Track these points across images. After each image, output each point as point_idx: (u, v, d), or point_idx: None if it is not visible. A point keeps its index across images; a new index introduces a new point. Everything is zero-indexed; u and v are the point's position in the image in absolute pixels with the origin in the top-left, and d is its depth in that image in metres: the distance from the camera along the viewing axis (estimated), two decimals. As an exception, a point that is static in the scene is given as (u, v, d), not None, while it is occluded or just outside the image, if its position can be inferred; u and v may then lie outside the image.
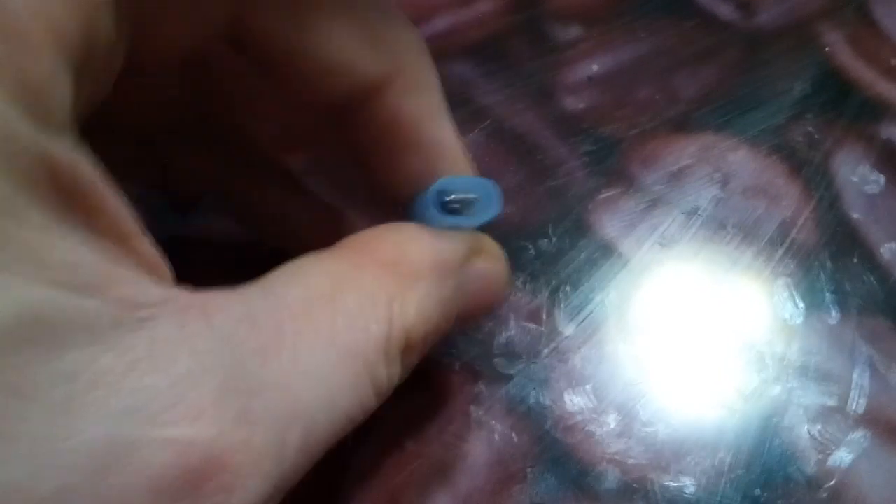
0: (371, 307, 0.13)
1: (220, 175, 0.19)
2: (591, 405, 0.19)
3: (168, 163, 0.18)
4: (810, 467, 0.19)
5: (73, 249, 0.10)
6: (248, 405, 0.11)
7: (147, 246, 0.11)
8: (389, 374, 0.14)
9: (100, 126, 0.12)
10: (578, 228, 0.22)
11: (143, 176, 0.18)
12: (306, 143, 0.19)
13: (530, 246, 0.21)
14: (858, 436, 0.19)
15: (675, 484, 0.18)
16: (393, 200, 0.17)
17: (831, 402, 0.19)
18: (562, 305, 0.21)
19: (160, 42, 0.13)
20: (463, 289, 0.15)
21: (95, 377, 0.10)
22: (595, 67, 0.25)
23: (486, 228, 0.16)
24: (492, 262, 0.16)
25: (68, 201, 0.10)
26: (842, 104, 0.24)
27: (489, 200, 0.15)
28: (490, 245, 0.16)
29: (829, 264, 0.21)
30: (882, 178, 0.23)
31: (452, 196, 0.15)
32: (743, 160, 0.23)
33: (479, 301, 0.16)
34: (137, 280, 0.11)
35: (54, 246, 0.09)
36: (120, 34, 0.11)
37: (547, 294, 0.21)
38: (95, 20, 0.10)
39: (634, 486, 0.18)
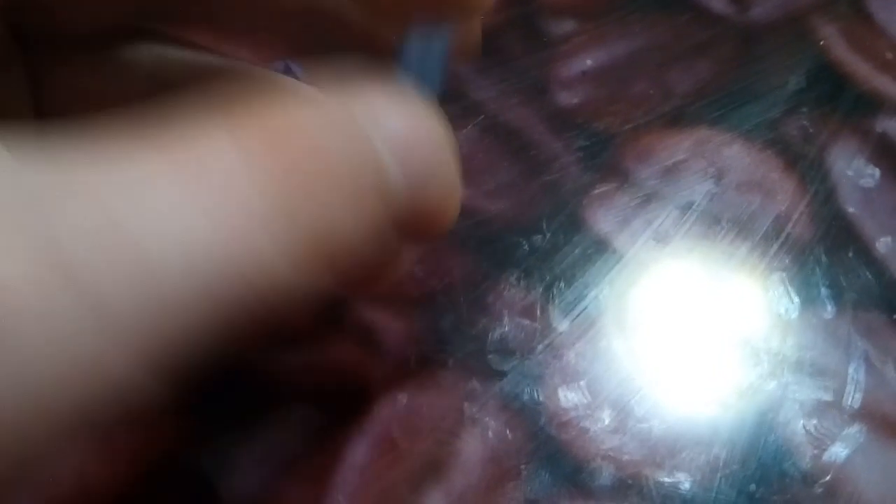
0: (230, 143, 0.11)
1: None
2: (586, 401, 0.19)
3: None
4: (806, 462, 0.18)
5: None
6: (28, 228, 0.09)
7: None
8: (280, 209, 0.10)
9: None
10: (572, 224, 0.22)
11: None
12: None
13: (524, 242, 0.21)
14: (854, 431, 0.19)
15: (670, 480, 0.18)
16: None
17: (827, 397, 0.19)
18: (556, 301, 0.21)
19: None
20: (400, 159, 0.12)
21: None
22: (589, 62, 0.25)
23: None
24: (434, 123, 0.13)
25: None
26: (837, 98, 0.24)
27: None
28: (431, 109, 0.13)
29: (824, 259, 0.21)
30: (877, 172, 0.23)
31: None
32: (737, 155, 0.23)
33: (427, 175, 0.12)
34: None
35: None
36: None
37: (541, 290, 0.21)
38: None
39: (629, 482, 0.18)
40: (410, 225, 0.12)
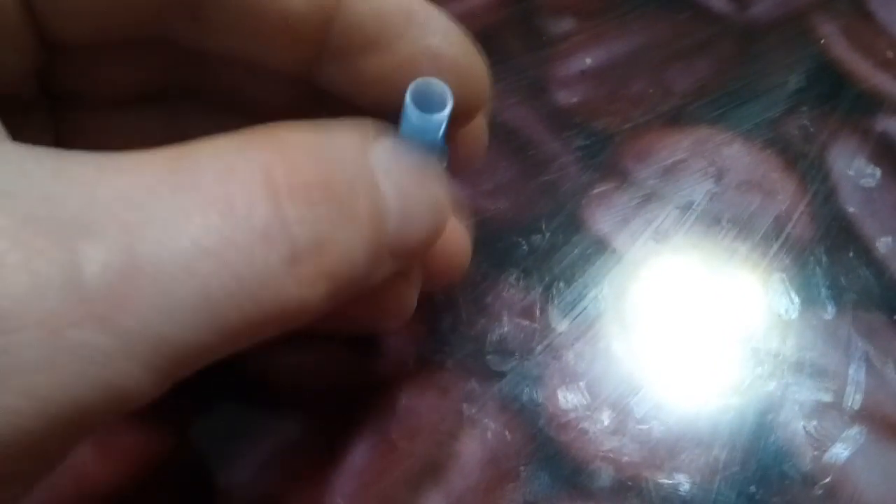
0: (239, 152, 0.11)
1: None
2: (585, 402, 0.19)
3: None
4: (806, 464, 0.18)
5: None
6: (24, 204, 0.09)
7: None
8: (284, 219, 0.11)
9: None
10: (572, 224, 0.22)
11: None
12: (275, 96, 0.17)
13: (523, 241, 0.21)
14: (854, 432, 0.19)
15: (670, 481, 0.18)
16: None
17: (827, 398, 0.19)
18: (555, 301, 0.20)
19: (82, 24, 0.12)
20: (395, 176, 0.13)
21: None
22: (588, 61, 0.24)
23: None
24: (433, 178, 0.14)
25: None
26: (837, 97, 0.24)
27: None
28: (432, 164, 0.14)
29: (824, 259, 0.21)
30: (878, 172, 0.23)
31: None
32: (737, 154, 0.23)
33: (417, 214, 0.14)
34: None
35: None
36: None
37: (540, 290, 0.21)
38: None
39: (629, 483, 0.18)
40: (402, 255, 0.13)
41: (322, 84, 0.15)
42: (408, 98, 0.13)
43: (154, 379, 0.10)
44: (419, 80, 0.13)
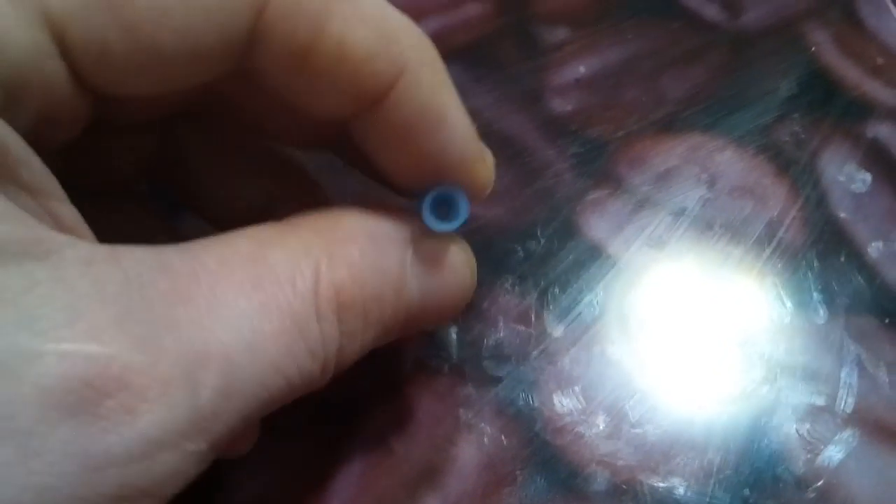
0: (297, 263, 0.13)
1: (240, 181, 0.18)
2: (581, 407, 0.19)
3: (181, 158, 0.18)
4: (799, 467, 0.19)
5: None
6: (152, 333, 0.11)
7: (67, 209, 0.12)
8: (324, 334, 0.13)
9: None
10: (567, 230, 0.22)
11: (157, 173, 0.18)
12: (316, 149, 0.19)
13: (519, 248, 0.22)
14: (847, 435, 0.19)
15: (665, 485, 0.18)
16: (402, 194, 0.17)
17: (820, 402, 0.19)
18: (550, 307, 0.21)
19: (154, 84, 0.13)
20: (422, 276, 0.15)
21: None
22: (582, 69, 0.25)
23: (473, 229, 0.16)
24: (456, 251, 0.16)
25: None
26: (828, 104, 0.24)
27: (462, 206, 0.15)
28: (454, 237, 0.16)
29: (816, 263, 0.21)
30: (868, 177, 0.23)
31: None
32: (730, 160, 0.23)
33: (440, 290, 0.16)
34: (50, 230, 0.11)
35: None
36: (70, 86, 0.12)
37: (536, 296, 0.21)
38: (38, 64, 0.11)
39: (624, 487, 0.18)
40: (417, 321, 0.16)
41: (349, 131, 0.15)
42: (426, 211, 0.15)
43: (203, 449, 0.12)
44: (436, 192, 0.15)
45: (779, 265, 0.21)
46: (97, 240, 0.12)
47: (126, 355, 0.10)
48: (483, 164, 0.15)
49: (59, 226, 0.11)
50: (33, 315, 0.10)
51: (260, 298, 0.12)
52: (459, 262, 0.16)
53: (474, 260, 0.16)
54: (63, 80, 0.12)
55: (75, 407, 0.10)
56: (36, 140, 0.11)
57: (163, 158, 0.17)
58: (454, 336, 0.20)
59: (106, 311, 0.10)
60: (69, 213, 0.12)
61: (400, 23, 0.14)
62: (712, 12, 0.26)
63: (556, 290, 0.21)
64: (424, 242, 0.15)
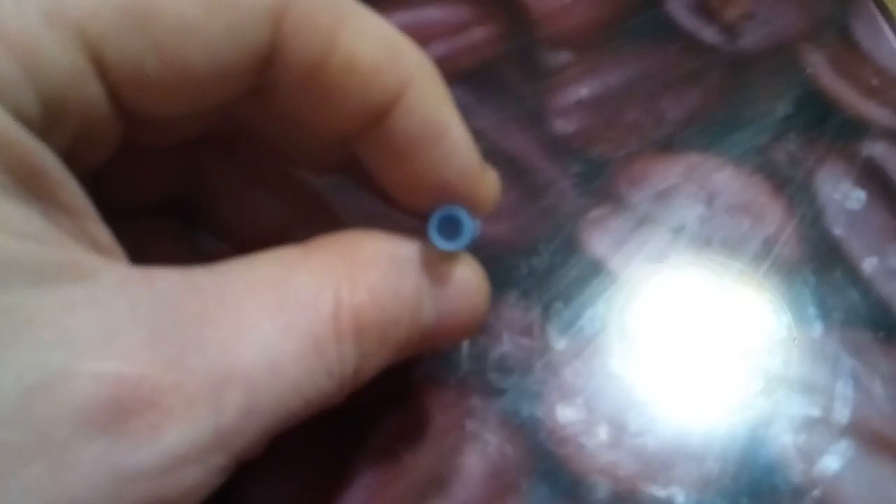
0: (319, 287, 0.13)
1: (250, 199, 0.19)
2: (583, 417, 0.20)
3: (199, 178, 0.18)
4: (795, 476, 0.19)
5: (27, 214, 0.11)
6: (181, 354, 0.11)
7: (101, 230, 0.12)
8: (342, 355, 0.14)
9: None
10: (569, 246, 0.23)
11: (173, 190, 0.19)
12: (324, 170, 0.19)
13: (523, 264, 0.22)
14: (842, 445, 0.20)
15: (665, 493, 0.19)
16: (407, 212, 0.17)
17: (816, 413, 0.20)
18: (554, 321, 0.21)
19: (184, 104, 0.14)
20: (437, 298, 0.15)
21: (32, 314, 0.10)
22: (584, 91, 0.25)
23: (479, 246, 0.17)
24: (469, 273, 0.16)
25: (29, 180, 0.11)
26: (823, 123, 0.25)
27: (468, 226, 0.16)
28: (468, 259, 0.17)
29: (812, 279, 0.22)
30: (863, 195, 0.24)
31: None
32: (727, 179, 0.24)
33: (454, 311, 0.16)
34: (86, 251, 0.11)
35: (9, 204, 0.11)
36: (109, 107, 0.12)
37: (539, 310, 0.21)
38: (75, 84, 0.11)
39: (625, 495, 0.19)
40: (431, 341, 0.16)
41: (355, 150, 0.16)
42: (432, 230, 0.15)
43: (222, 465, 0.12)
44: (442, 212, 0.15)
45: (775, 280, 0.22)
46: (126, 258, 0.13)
47: (156, 376, 0.11)
48: (484, 178, 0.16)
49: (95, 246, 0.12)
50: (71, 336, 0.11)
51: (283, 320, 0.13)
52: (473, 284, 0.16)
53: (488, 283, 0.17)
54: (101, 102, 0.12)
55: (107, 424, 0.11)
56: (72, 162, 0.12)
57: (184, 182, 0.18)
58: (461, 349, 0.21)
59: (138, 333, 0.11)
60: (104, 233, 0.12)
61: (402, 39, 0.14)
62: (710, 36, 0.27)
63: (559, 304, 0.22)
64: (439, 265, 0.16)
